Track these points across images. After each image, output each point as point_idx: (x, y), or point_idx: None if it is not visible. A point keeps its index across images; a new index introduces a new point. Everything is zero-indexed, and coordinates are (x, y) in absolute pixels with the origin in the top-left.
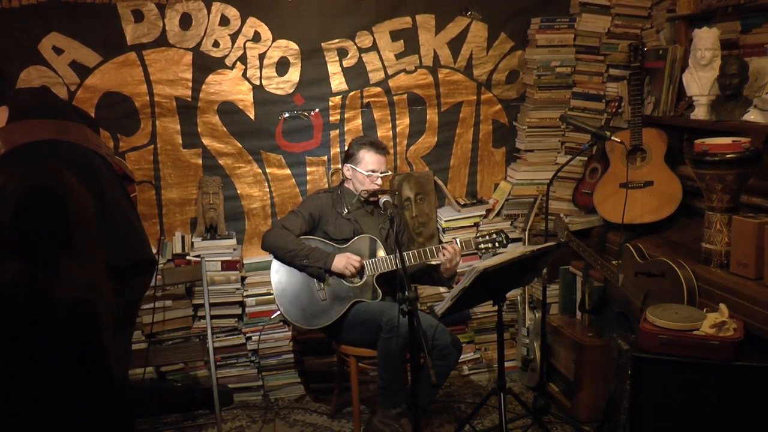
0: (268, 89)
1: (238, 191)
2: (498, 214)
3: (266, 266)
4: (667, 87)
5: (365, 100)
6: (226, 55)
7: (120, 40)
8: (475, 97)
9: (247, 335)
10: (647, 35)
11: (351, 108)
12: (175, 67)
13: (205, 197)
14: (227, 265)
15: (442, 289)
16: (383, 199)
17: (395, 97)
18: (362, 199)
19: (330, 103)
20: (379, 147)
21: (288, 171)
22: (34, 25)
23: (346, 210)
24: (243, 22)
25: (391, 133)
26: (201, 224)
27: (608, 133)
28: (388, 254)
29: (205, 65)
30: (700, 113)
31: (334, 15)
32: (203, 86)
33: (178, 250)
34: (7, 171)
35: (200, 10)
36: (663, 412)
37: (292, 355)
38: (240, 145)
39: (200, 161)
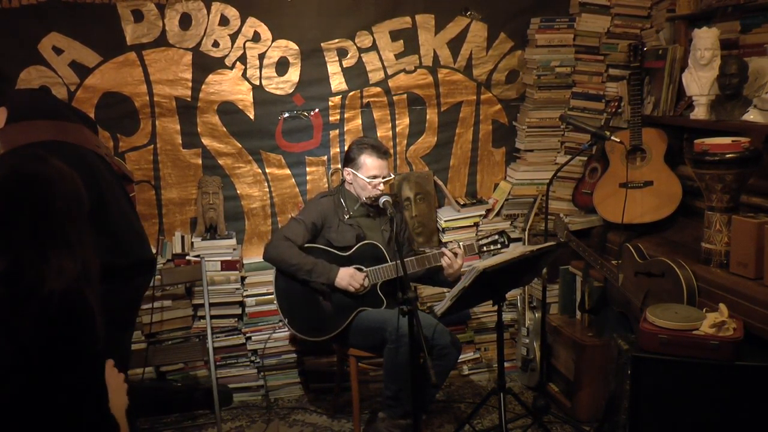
0: (267, 89)
1: (238, 191)
2: (498, 214)
3: (266, 266)
4: (667, 87)
5: (365, 100)
6: (226, 55)
7: (120, 40)
8: (474, 97)
9: (247, 335)
10: (647, 35)
11: (351, 108)
12: (175, 67)
13: (204, 197)
14: (227, 265)
15: (443, 289)
16: (383, 198)
17: (395, 97)
18: (365, 204)
19: (330, 103)
20: (380, 151)
21: (288, 171)
22: (34, 25)
23: (348, 215)
24: (243, 22)
25: (390, 133)
26: (201, 224)
27: (608, 133)
28: (391, 259)
29: (204, 65)
30: (699, 113)
31: (333, 15)
32: (203, 86)
33: (177, 250)
34: None
35: (200, 10)
36: (663, 412)
37: (292, 355)
38: (240, 145)
39: (200, 161)
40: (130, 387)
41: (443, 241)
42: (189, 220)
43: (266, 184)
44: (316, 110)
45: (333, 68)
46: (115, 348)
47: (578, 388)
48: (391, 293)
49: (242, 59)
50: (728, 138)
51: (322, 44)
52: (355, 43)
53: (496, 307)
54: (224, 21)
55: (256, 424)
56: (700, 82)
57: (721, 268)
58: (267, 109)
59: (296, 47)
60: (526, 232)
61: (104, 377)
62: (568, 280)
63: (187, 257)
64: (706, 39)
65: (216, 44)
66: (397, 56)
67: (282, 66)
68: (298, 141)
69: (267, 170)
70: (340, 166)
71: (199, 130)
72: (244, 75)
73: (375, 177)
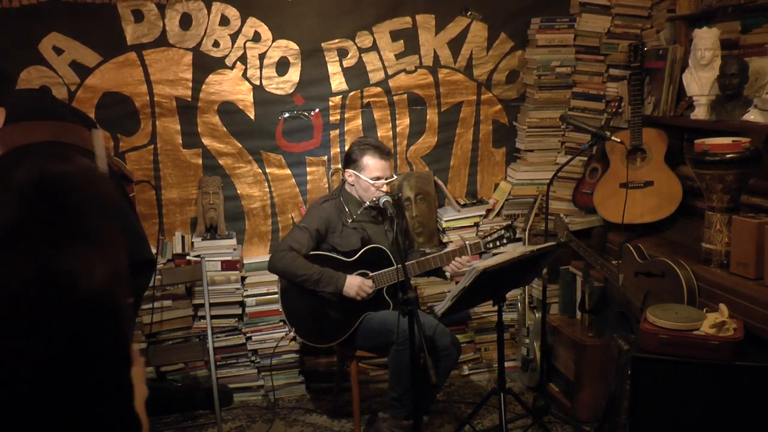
0: (268, 89)
1: (238, 191)
2: (498, 214)
3: (266, 266)
4: (667, 87)
5: (365, 100)
6: (226, 55)
7: (120, 40)
8: (475, 97)
9: (247, 335)
10: (647, 35)
11: (351, 108)
12: (175, 67)
13: (205, 197)
14: (227, 265)
15: (443, 289)
16: (383, 199)
17: (395, 97)
18: (369, 207)
19: (330, 103)
20: (383, 152)
21: (288, 171)
22: (34, 25)
23: (351, 219)
24: (243, 22)
25: (391, 133)
26: (201, 224)
27: (608, 133)
28: (396, 261)
29: (205, 65)
30: (700, 113)
31: (334, 15)
32: (203, 86)
33: (178, 250)
34: (10, 162)
35: (200, 10)
36: (663, 412)
37: (292, 355)
38: (240, 145)
39: (200, 161)
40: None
41: (444, 241)
42: (189, 220)
43: (266, 184)
44: (317, 110)
45: (333, 68)
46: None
47: (578, 388)
48: (397, 295)
49: (242, 59)
50: (728, 138)
51: (322, 44)
52: (355, 43)
53: (496, 307)
54: (224, 21)
55: (256, 424)
56: (700, 82)
57: (721, 268)
58: (267, 109)
59: (296, 47)
60: (527, 232)
61: (130, 376)
62: (569, 280)
63: (188, 257)
64: (706, 39)
65: (216, 44)
66: (398, 56)
67: (282, 66)
68: (298, 141)
69: (267, 170)
70: (340, 166)
71: (199, 130)
72: (244, 75)
73: (378, 178)
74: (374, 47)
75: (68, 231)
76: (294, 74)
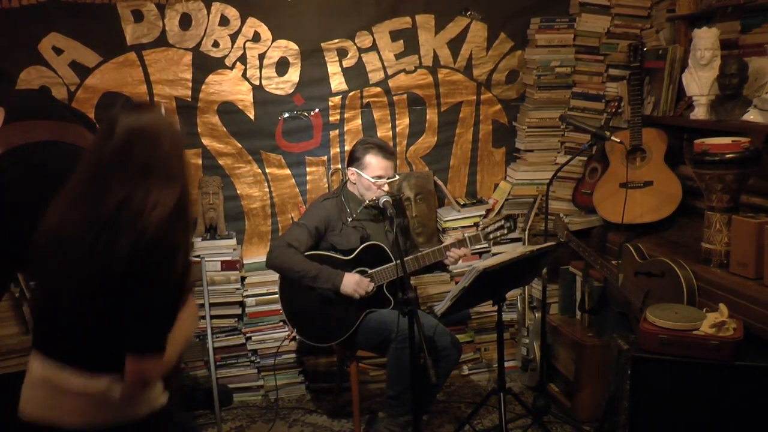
0: (267, 89)
1: (238, 191)
2: (498, 214)
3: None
4: (667, 87)
5: (365, 100)
6: (226, 55)
7: (120, 40)
8: (474, 97)
9: (247, 335)
10: (647, 35)
11: (351, 108)
12: (175, 67)
13: (204, 197)
14: (227, 265)
15: (443, 289)
16: (383, 199)
17: (395, 97)
18: (369, 206)
19: (330, 103)
20: (386, 151)
21: (288, 171)
22: (34, 25)
23: (351, 218)
24: (243, 23)
25: (391, 133)
26: (201, 224)
27: (608, 133)
28: (394, 256)
29: (204, 65)
30: (699, 113)
31: (334, 15)
32: (203, 86)
33: None
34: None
35: (200, 11)
36: (663, 412)
37: (292, 355)
38: (240, 145)
39: (200, 161)
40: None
41: (443, 241)
42: None
43: (266, 184)
44: (316, 110)
45: (333, 68)
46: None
47: (578, 388)
48: (397, 292)
49: (242, 59)
50: (728, 138)
51: (322, 44)
52: (355, 43)
53: (496, 307)
54: (224, 21)
55: (256, 424)
56: (700, 82)
57: (721, 268)
58: (267, 109)
59: (296, 47)
60: (526, 232)
61: (176, 311)
62: (568, 280)
63: None
64: (706, 39)
65: (216, 44)
66: (397, 56)
67: (282, 66)
68: (298, 141)
69: (267, 170)
70: (340, 166)
71: (199, 130)
72: (244, 75)
73: (380, 177)
74: (374, 47)
75: (146, 171)
76: (294, 74)
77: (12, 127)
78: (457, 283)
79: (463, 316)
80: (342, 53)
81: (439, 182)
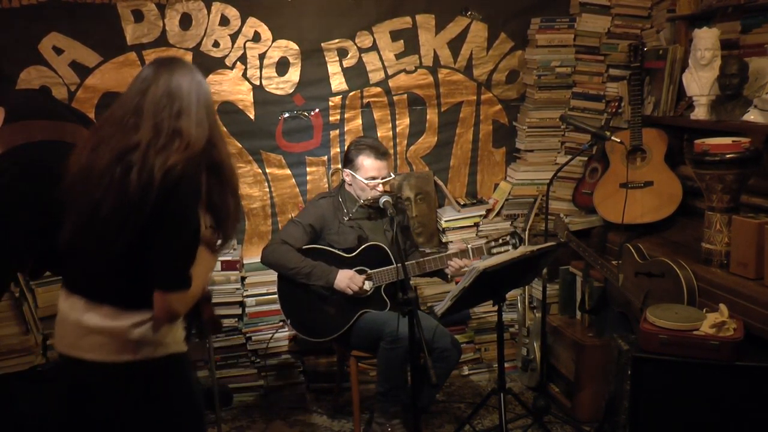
0: (268, 89)
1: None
2: (498, 214)
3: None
4: (667, 87)
5: (365, 100)
6: (226, 55)
7: (120, 40)
8: (475, 97)
9: (247, 335)
10: (647, 35)
11: (351, 108)
12: None
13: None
14: (227, 265)
15: (443, 289)
16: (383, 199)
17: (395, 97)
18: (365, 206)
19: (330, 103)
20: (378, 151)
21: (288, 171)
22: (34, 25)
23: (348, 217)
24: (243, 22)
25: (391, 133)
26: None
27: (608, 133)
28: (396, 259)
29: (205, 65)
30: (700, 113)
31: (334, 15)
32: None
33: None
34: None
35: (200, 10)
36: (663, 412)
37: (292, 355)
38: (240, 145)
39: None
40: None
41: (444, 241)
42: None
43: (266, 184)
44: (317, 110)
45: (333, 68)
46: None
47: (578, 388)
48: (395, 295)
49: (242, 59)
50: (728, 138)
51: (322, 44)
52: (355, 43)
53: (496, 307)
54: (224, 21)
55: (256, 424)
56: (700, 82)
57: (721, 268)
58: (267, 109)
59: (296, 47)
60: (527, 232)
61: (193, 252)
62: (568, 280)
63: None
64: (706, 39)
65: (216, 44)
66: (398, 56)
67: (282, 66)
68: (298, 141)
69: (267, 170)
70: (340, 166)
71: None
72: (244, 75)
73: (374, 178)
74: (374, 47)
75: (179, 115)
76: (294, 74)
77: (12, 126)
78: (457, 283)
79: (463, 317)
80: (342, 53)
81: (439, 182)
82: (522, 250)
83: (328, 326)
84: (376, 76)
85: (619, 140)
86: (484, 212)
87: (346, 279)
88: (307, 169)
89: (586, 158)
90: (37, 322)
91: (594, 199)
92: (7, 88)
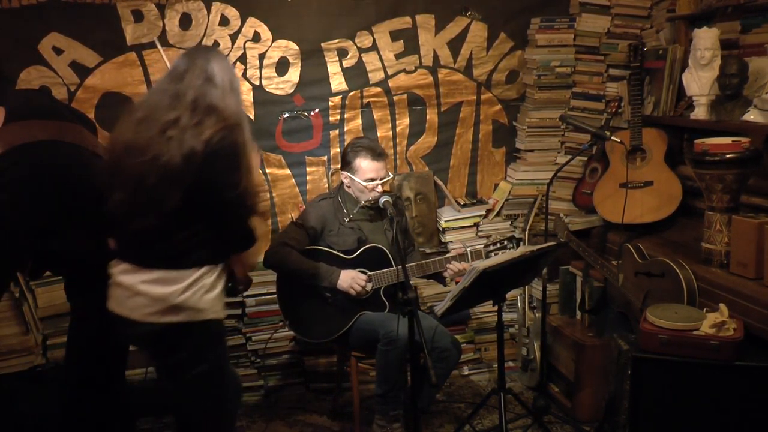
0: (267, 89)
1: None
2: (498, 214)
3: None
4: (667, 87)
5: (365, 100)
6: (226, 56)
7: (120, 40)
8: (475, 97)
9: (247, 335)
10: (647, 35)
11: (351, 108)
12: None
13: None
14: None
15: (443, 289)
16: (383, 199)
17: (395, 97)
18: (365, 207)
19: (330, 103)
20: (375, 153)
21: (288, 171)
22: (34, 25)
23: (348, 218)
24: (243, 23)
25: (391, 133)
26: None
27: (608, 133)
28: (395, 261)
29: None
30: (700, 113)
31: (334, 15)
32: None
33: None
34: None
35: (200, 11)
36: (663, 412)
37: (292, 355)
38: None
39: None
40: (130, 386)
41: (444, 241)
42: None
43: (266, 184)
44: (316, 110)
45: (333, 68)
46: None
47: (578, 388)
48: (395, 296)
49: (242, 59)
50: (728, 138)
51: (322, 44)
52: (355, 43)
53: (496, 307)
54: (224, 21)
55: (256, 424)
56: (700, 82)
57: (721, 268)
58: (267, 109)
59: (296, 47)
60: (526, 232)
61: (250, 210)
62: (568, 280)
63: None
64: (706, 39)
65: (216, 44)
66: (398, 56)
67: (282, 66)
68: (298, 141)
69: (267, 170)
70: (339, 166)
71: None
72: (244, 75)
73: (372, 180)
74: (374, 47)
75: (209, 114)
76: (294, 74)
77: (12, 126)
78: (457, 283)
79: (463, 317)
80: (342, 53)
81: (439, 182)
82: (522, 250)
83: (326, 328)
84: (376, 76)
85: (619, 140)
86: (484, 212)
87: (349, 279)
88: (307, 169)
89: (586, 158)
90: (37, 322)
91: (594, 199)
92: (7, 88)
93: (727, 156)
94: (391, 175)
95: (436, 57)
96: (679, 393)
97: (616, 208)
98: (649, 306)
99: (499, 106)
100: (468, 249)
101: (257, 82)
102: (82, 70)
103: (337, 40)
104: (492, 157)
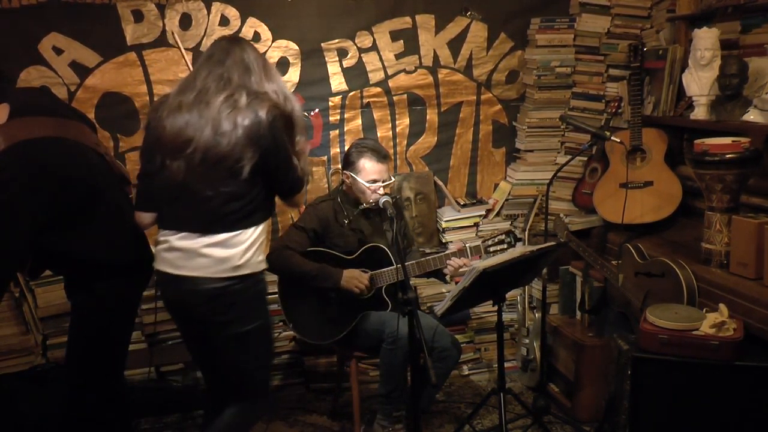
0: None
1: None
2: (498, 214)
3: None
4: (667, 87)
5: (365, 101)
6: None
7: (120, 40)
8: (474, 97)
9: None
10: (647, 35)
11: (351, 108)
12: (175, 67)
13: None
14: None
15: (443, 289)
16: (383, 199)
17: (395, 98)
18: (367, 208)
19: (330, 103)
20: (380, 154)
21: None
22: (34, 25)
23: (348, 220)
24: (243, 23)
25: (391, 133)
26: None
27: (608, 133)
28: (395, 261)
29: None
30: (700, 113)
31: (334, 15)
32: None
33: None
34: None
35: (200, 11)
36: (663, 412)
37: (292, 355)
38: None
39: None
40: (130, 387)
41: (444, 241)
42: None
43: None
44: (316, 110)
45: (333, 68)
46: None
47: (578, 388)
48: (396, 295)
49: None
50: (728, 138)
51: (322, 44)
52: (355, 44)
53: (496, 307)
54: (224, 21)
55: (256, 424)
56: (700, 82)
57: (721, 268)
58: None
59: (296, 47)
60: (526, 233)
61: (295, 163)
62: (568, 280)
63: None
64: (706, 39)
65: None
66: (398, 56)
67: (282, 66)
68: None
69: None
70: (340, 166)
71: None
72: None
73: (375, 181)
74: (374, 47)
75: (259, 91)
76: (294, 74)
77: (15, 123)
78: (457, 283)
79: (463, 317)
80: (342, 53)
81: (439, 182)
82: (522, 250)
83: (329, 328)
84: (376, 76)
85: (618, 140)
86: (483, 212)
87: (352, 278)
88: None
89: (586, 158)
90: (37, 322)
91: (594, 199)
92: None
93: (727, 156)
94: (393, 179)
95: (436, 57)
96: (679, 393)
97: (616, 208)
98: (649, 306)
99: (499, 106)
100: (467, 245)
101: None
102: (82, 70)
103: (337, 40)
104: (492, 157)
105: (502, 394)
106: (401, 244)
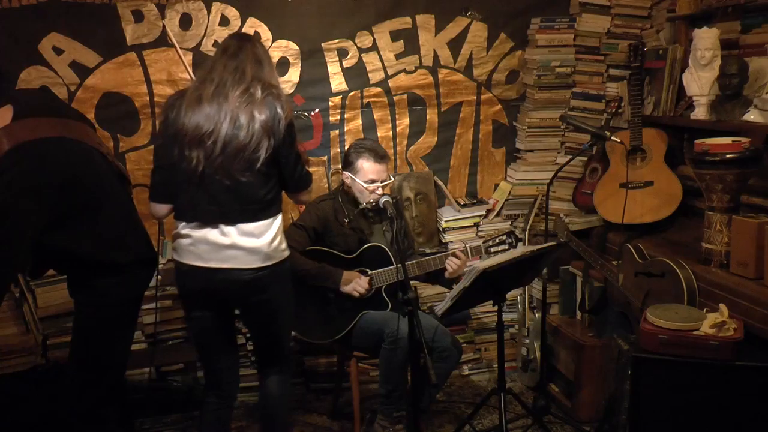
0: None
1: None
2: (498, 215)
3: None
4: (667, 87)
5: (365, 101)
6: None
7: (120, 40)
8: (475, 97)
9: (248, 335)
10: (647, 35)
11: (351, 108)
12: (175, 67)
13: None
14: None
15: (443, 289)
16: (383, 199)
17: (395, 98)
18: (366, 208)
19: (330, 104)
20: (378, 154)
21: None
22: (34, 25)
23: (348, 219)
24: (243, 23)
25: (391, 133)
26: None
27: (608, 133)
28: (395, 260)
29: None
30: (700, 113)
31: (334, 15)
32: None
33: None
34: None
35: (200, 11)
36: (663, 412)
37: (292, 356)
38: None
39: None
40: (130, 387)
41: (444, 241)
42: None
43: None
44: (317, 110)
45: (333, 68)
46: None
47: (578, 388)
48: (396, 295)
49: None
50: (728, 138)
51: (322, 44)
52: (355, 44)
53: (496, 307)
54: (224, 21)
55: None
56: (700, 82)
57: (721, 268)
58: None
59: (296, 47)
60: (527, 233)
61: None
62: (568, 280)
63: None
64: (706, 39)
65: (216, 44)
66: (398, 56)
67: (282, 66)
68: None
69: None
70: (340, 166)
71: None
72: None
73: (373, 181)
74: (374, 47)
75: (272, 85)
76: (294, 74)
77: (20, 123)
78: (457, 283)
79: (464, 317)
80: (342, 53)
81: (439, 182)
82: (522, 250)
83: (329, 328)
84: (376, 76)
85: (619, 140)
86: (484, 212)
87: (352, 282)
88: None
89: (586, 158)
90: (37, 322)
91: (594, 199)
92: (9, 88)
93: (727, 156)
94: (392, 179)
95: (436, 57)
96: (679, 393)
97: (616, 208)
98: (649, 306)
99: (499, 106)
100: (468, 245)
101: None
102: (82, 70)
103: (337, 40)
104: (492, 157)
105: (502, 394)
106: (401, 244)
